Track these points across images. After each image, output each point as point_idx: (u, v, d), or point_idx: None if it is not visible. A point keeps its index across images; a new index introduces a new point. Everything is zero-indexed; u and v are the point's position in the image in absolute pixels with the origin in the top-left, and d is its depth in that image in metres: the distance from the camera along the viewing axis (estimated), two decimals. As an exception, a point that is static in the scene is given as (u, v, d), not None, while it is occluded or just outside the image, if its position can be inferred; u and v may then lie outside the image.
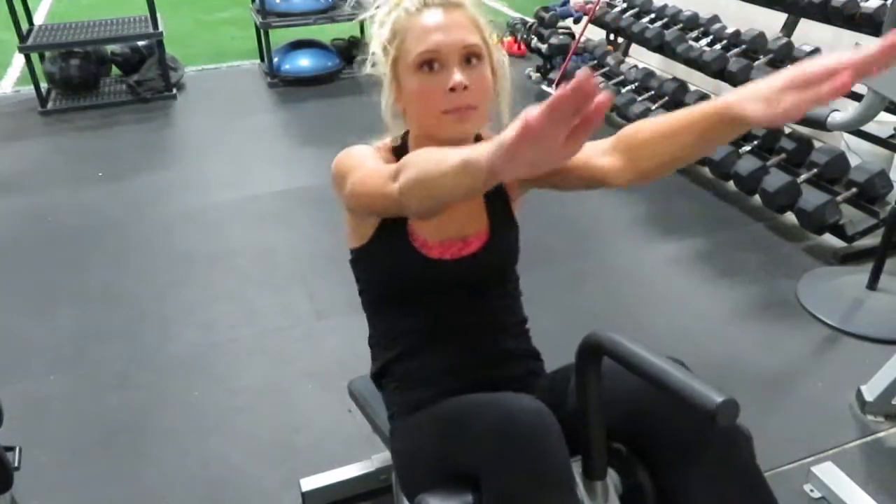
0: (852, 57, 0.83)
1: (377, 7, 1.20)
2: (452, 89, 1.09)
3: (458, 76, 1.09)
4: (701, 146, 1.04)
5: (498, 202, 1.28)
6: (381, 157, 1.21)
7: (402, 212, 1.07)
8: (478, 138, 1.21)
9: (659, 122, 1.07)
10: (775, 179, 2.89)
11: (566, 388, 1.22)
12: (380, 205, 1.07)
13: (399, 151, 1.21)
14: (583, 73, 0.68)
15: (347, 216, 1.26)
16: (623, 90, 3.96)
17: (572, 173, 1.19)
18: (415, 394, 1.29)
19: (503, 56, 1.21)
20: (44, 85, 4.49)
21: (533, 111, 0.70)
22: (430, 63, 1.10)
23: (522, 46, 5.23)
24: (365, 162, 1.15)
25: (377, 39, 1.18)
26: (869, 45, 0.83)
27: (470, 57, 1.11)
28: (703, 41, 3.66)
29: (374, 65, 1.20)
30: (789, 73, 0.88)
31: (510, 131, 0.73)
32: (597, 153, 1.17)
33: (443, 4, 1.12)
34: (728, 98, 0.95)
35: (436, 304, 1.26)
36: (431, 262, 1.22)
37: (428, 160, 0.93)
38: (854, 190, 2.78)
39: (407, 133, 1.24)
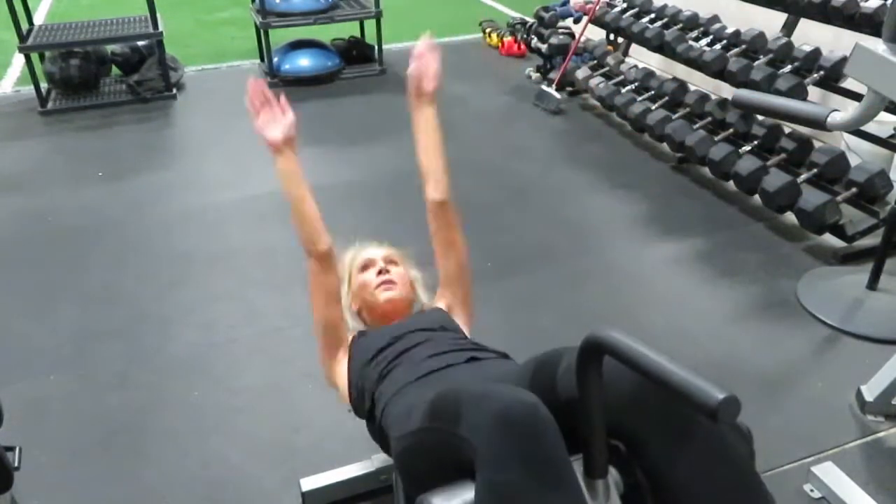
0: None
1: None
2: (380, 272, 1.72)
3: (381, 264, 1.73)
4: (428, 138, 1.70)
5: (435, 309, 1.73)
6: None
7: (311, 262, 1.64)
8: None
9: (421, 144, 1.71)
10: (775, 179, 2.89)
11: (554, 377, 1.22)
12: (314, 289, 1.64)
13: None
14: (252, 82, 1.52)
15: (338, 377, 1.67)
16: (623, 90, 3.96)
17: (443, 258, 1.75)
18: (408, 399, 1.36)
19: (416, 272, 1.82)
20: (44, 85, 4.49)
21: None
22: (365, 267, 1.75)
23: (522, 46, 5.23)
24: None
25: (343, 282, 1.76)
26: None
27: (389, 262, 1.75)
28: (703, 41, 3.66)
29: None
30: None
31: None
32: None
33: (375, 245, 1.81)
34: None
35: (398, 350, 1.54)
36: (381, 328, 1.65)
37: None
38: (854, 190, 2.78)
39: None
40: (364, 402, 1.54)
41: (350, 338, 1.69)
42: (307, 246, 1.64)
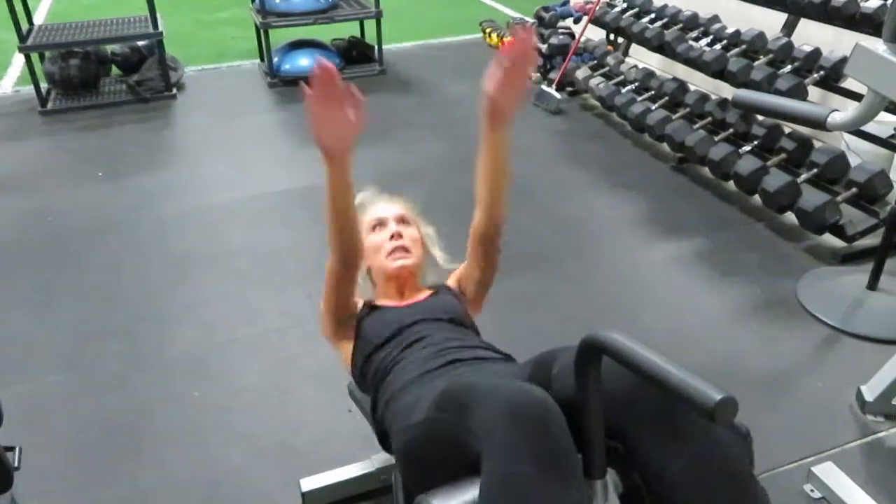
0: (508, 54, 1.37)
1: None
2: (392, 237, 1.63)
3: (394, 226, 1.65)
4: (497, 168, 1.56)
5: (446, 289, 1.69)
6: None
7: (338, 266, 1.49)
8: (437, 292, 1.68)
9: (479, 171, 1.54)
10: (775, 179, 2.89)
11: (549, 376, 1.23)
12: (331, 275, 1.52)
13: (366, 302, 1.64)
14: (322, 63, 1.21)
15: (344, 350, 1.63)
16: (623, 90, 3.96)
17: (476, 256, 1.64)
18: (412, 392, 1.34)
19: (428, 228, 1.76)
20: (44, 85, 4.49)
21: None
22: (377, 226, 1.66)
23: (522, 46, 5.22)
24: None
25: None
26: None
27: (400, 220, 1.67)
28: (703, 41, 3.66)
29: None
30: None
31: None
32: (473, 230, 1.61)
33: (385, 199, 1.73)
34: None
35: (408, 340, 1.50)
36: (397, 308, 1.60)
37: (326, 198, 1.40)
38: (854, 190, 2.78)
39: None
40: (367, 388, 1.55)
41: (359, 306, 1.62)
42: (344, 257, 1.47)
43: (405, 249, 1.62)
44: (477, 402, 1.11)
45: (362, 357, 1.56)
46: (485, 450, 1.05)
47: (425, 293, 1.66)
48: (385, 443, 1.47)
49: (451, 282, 1.73)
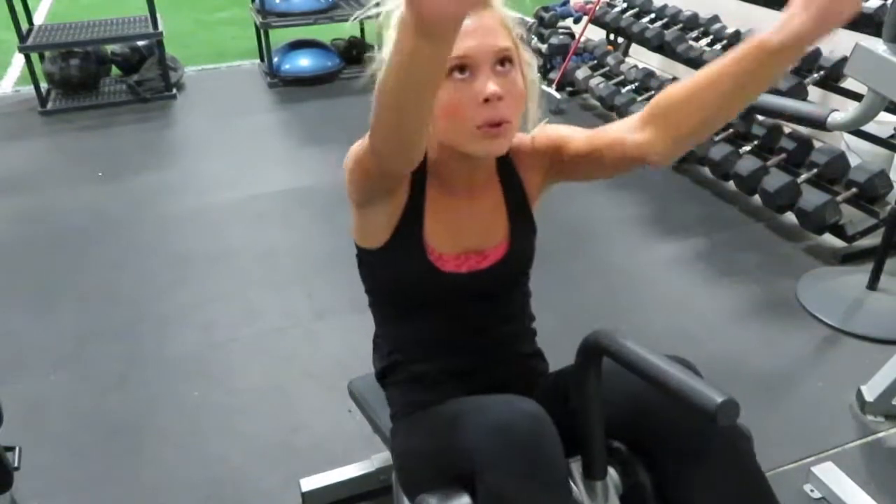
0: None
1: (389, 6, 1.11)
2: (487, 100, 1.01)
3: (492, 86, 1.00)
4: (739, 93, 0.97)
5: (520, 209, 1.24)
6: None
7: (379, 165, 0.98)
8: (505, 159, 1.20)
9: (691, 80, 1.00)
10: (775, 179, 2.89)
11: (568, 387, 1.22)
12: (362, 170, 1.03)
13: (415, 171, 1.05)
14: None
15: (357, 214, 1.17)
16: (623, 90, 3.96)
17: (605, 157, 1.13)
18: (419, 395, 1.29)
19: (532, 57, 1.12)
20: (44, 85, 4.49)
21: None
22: (460, 69, 1.01)
23: (522, 46, 5.22)
24: None
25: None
26: None
27: (503, 61, 1.03)
28: (703, 41, 3.67)
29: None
30: None
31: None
32: (629, 130, 1.10)
33: None
34: (759, 35, 0.90)
35: (445, 314, 1.22)
36: (444, 275, 1.17)
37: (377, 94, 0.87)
38: (854, 190, 2.78)
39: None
40: (383, 355, 1.33)
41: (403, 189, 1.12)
42: (389, 165, 0.97)
43: (504, 127, 1.03)
44: (471, 419, 1.08)
45: (376, 286, 1.26)
46: (477, 467, 1.03)
47: (496, 236, 1.21)
48: (380, 377, 1.36)
49: (543, 140, 1.21)
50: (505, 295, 1.27)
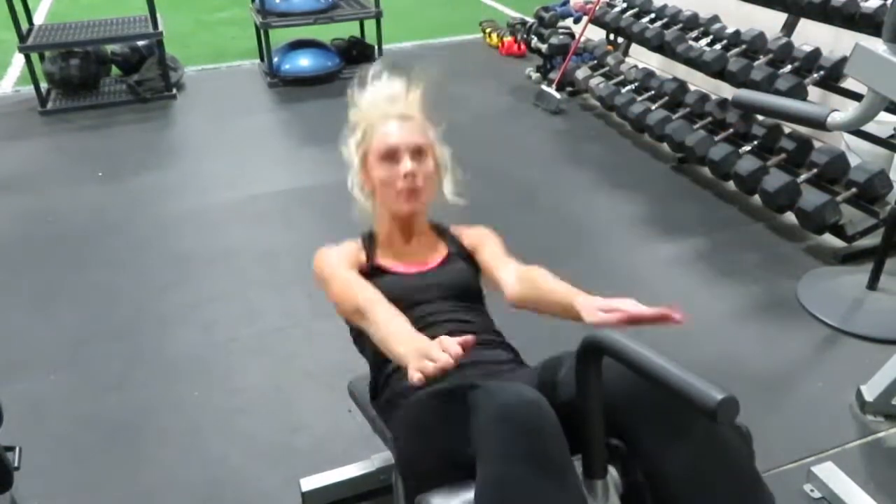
0: (638, 311, 1.22)
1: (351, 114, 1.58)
2: (405, 175, 1.45)
3: (408, 164, 1.45)
4: (560, 316, 1.37)
5: (460, 254, 1.59)
6: (352, 257, 1.52)
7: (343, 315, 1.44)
8: (437, 230, 1.62)
9: (545, 289, 1.44)
10: (775, 179, 2.89)
11: (555, 379, 1.23)
12: (351, 318, 1.42)
13: (368, 241, 1.57)
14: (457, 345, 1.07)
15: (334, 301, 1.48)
16: (623, 90, 3.96)
17: (488, 266, 1.55)
18: (406, 398, 1.33)
19: (444, 150, 1.57)
20: (44, 85, 4.49)
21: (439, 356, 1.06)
22: (389, 157, 1.47)
23: (522, 46, 5.23)
24: (337, 273, 1.45)
25: (351, 140, 1.57)
26: (650, 308, 1.24)
27: (419, 152, 1.48)
28: (703, 41, 3.67)
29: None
30: (611, 302, 1.25)
31: (410, 365, 1.08)
32: (510, 268, 1.52)
33: (398, 117, 1.49)
34: (581, 298, 1.31)
35: (415, 316, 1.39)
36: (401, 276, 1.50)
37: (379, 335, 1.26)
38: (854, 190, 2.78)
39: (371, 231, 1.59)
40: (361, 347, 1.54)
41: (361, 256, 1.53)
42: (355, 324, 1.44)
43: (418, 192, 1.48)
44: (472, 409, 1.11)
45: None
46: (479, 453, 1.06)
47: (435, 253, 1.57)
48: (384, 416, 1.45)
49: (467, 242, 1.61)
50: (459, 304, 1.50)
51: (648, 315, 1.23)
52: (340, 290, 1.42)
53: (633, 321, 1.22)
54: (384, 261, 1.54)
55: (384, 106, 1.52)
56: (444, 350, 1.07)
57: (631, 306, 1.24)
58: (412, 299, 1.44)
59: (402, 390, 1.36)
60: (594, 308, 1.26)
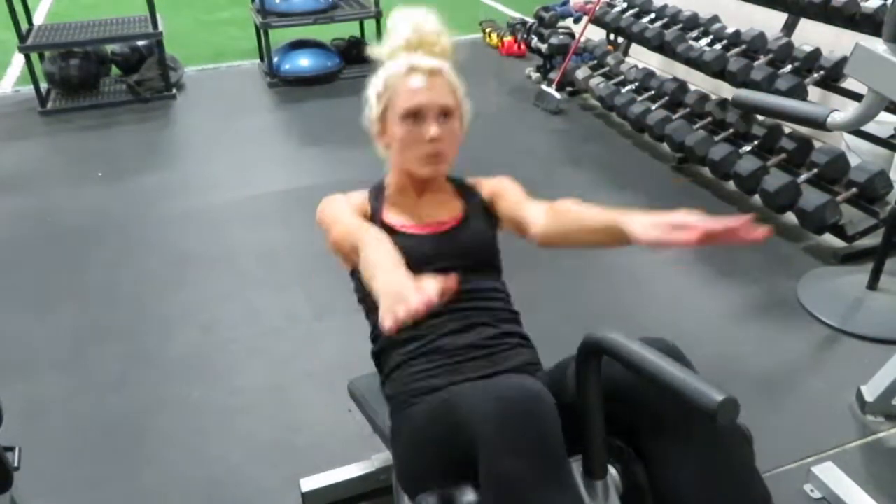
0: (710, 224, 1.06)
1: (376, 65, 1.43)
2: (430, 140, 1.34)
3: (434, 129, 1.34)
4: (597, 244, 1.31)
5: (477, 208, 1.47)
6: (356, 206, 1.43)
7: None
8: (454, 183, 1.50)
9: (581, 215, 1.31)
10: (775, 179, 2.89)
11: (564, 380, 1.23)
12: (350, 260, 1.33)
13: (376, 194, 1.47)
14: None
15: (341, 255, 1.41)
16: (623, 90, 3.96)
17: (511, 209, 1.44)
18: (414, 377, 1.32)
19: (468, 107, 1.47)
20: (44, 85, 4.49)
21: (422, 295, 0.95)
22: (413, 116, 1.35)
23: (522, 46, 5.23)
24: (341, 217, 1.37)
25: (372, 88, 1.42)
26: (725, 218, 1.05)
27: (445, 114, 1.36)
28: (703, 41, 3.66)
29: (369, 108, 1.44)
30: (673, 216, 1.11)
31: (381, 305, 0.98)
32: (536, 206, 1.40)
33: (427, 71, 1.37)
34: (626, 216, 1.18)
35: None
36: (413, 237, 1.38)
37: (366, 266, 1.17)
38: (854, 190, 2.78)
39: (381, 182, 1.49)
40: (368, 308, 1.45)
41: (367, 209, 1.43)
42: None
43: (442, 156, 1.37)
44: (472, 403, 1.11)
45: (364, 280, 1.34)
46: (478, 449, 1.05)
47: (450, 212, 1.45)
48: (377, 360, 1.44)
49: (486, 192, 1.50)
50: (476, 273, 1.40)
51: (721, 230, 1.05)
52: (342, 233, 1.33)
53: (707, 239, 1.04)
54: (392, 217, 1.42)
55: (412, 37, 1.40)
56: (420, 292, 0.96)
57: (699, 220, 1.05)
58: (422, 264, 1.29)
59: (406, 389, 1.35)
60: (649, 225, 1.10)
